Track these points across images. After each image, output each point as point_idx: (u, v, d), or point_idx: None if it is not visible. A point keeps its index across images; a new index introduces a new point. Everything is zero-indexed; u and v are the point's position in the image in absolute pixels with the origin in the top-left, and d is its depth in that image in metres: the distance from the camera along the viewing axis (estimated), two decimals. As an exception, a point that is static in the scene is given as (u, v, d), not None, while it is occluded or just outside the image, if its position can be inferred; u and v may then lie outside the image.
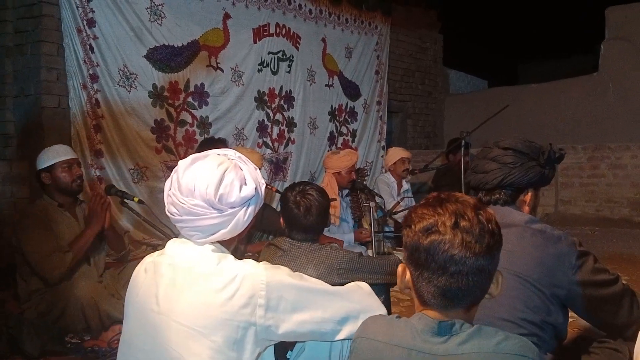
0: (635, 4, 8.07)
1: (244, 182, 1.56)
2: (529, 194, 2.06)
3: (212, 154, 1.61)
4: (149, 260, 1.65)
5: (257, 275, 1.52)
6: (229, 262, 1.56)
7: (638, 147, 7.29)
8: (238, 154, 1.66)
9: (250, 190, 1.57)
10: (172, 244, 1.63)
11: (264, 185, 1.66)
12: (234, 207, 1.54)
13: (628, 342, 1.46)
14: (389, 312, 2.63)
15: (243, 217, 1.58)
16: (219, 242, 1.60)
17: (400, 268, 1.38)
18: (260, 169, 4.33)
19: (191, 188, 1.52)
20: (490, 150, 2.07)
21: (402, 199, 5.81)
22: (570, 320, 1.98)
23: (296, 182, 2.86)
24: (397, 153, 5.89)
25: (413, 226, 1.28)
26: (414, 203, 5.82)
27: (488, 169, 2.03)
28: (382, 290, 2.60)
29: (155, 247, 3.27)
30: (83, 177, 3.64)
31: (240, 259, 1.55)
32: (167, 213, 1.59)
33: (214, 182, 1.51)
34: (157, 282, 1.57)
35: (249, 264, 1.56)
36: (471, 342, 1.21)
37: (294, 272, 2.27)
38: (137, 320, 1.61)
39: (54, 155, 3.39)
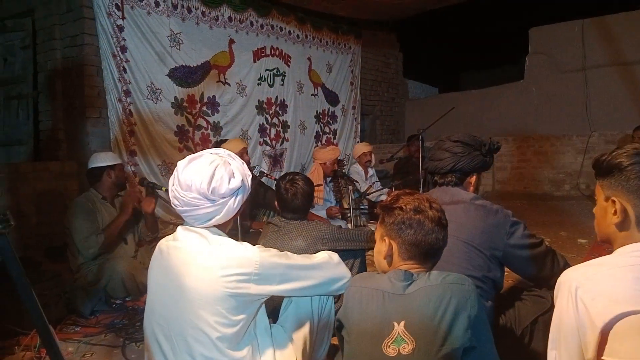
0: (552, 25, 8.10)
1: (232, 176, 1.54)
2: (474, 177, 2.08)
3: (206, 153, 1.58)
4: (164, 243, 1.63)
5: (252, 256, 1.52)
6: (228, 244, 1.55)
7: (556, 138, 7.34)
8: (228, 152, 1.63)
9: (238, 182, 1.54)
10: (180, 230, 1.61)
11: (251, 176, 1.63)
12: (224, 197, 1.52)
13: (550, 290, 1.48)
14: (364, 271, 2.67)
15: (233, 205, 1.56)
16: (215, 226, 1.59)
17: (386, 242, 1.46)
18: (244, 151, 4.37)
19: (188, 184, 1.49)
20: (443, 142, 2.09)
21: (373, 183, 5.84)
22: (505, 274, 2.00)
23: (288, 172, 2.86)
24: (359, 149, 5.91)
25: (405, 207, 1.41)
26: (380, 186, 5.85)
27: (442, 157, 2.05)
28: (359, 254, 2.62)
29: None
30: (128, 177, 3.66)
31: (246, 233, 1.56)
32: (172, 204, 1.57)
33: (207, 178, 1.48)
34: (169, 261, 1.57)
35: (245, 246, 1.55)
36: (424, 281, 1.34)
37: (287, 243, 2.29)
38: (156, 292, 1.61)
39: (115, 158, 3.49)
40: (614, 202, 1.20)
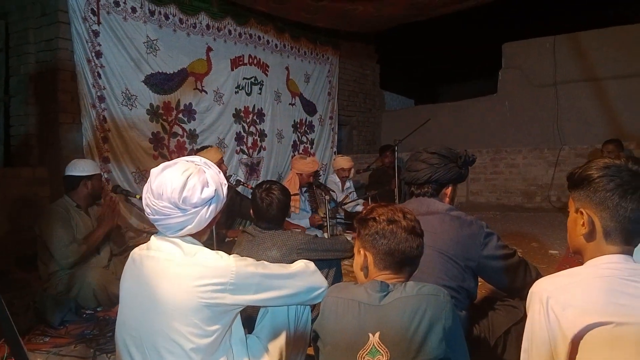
0: (524, 41, 8.27)
1: (205, 185, 1.50)
2: (450, 188, 2.11)
3: (181, 161, 1.54)
4: (137, 252, 1.59)
5: (228, 266, 1.49)
6: (203, 254, 1.51)
7: (528, 150, 7.48)
8: (204, 160, 1.59)
9: (211, 192, 1.50)
10: (154, 239, 1.57)
11: (227, 185, 1.60)
12: (196, 207, 1.49)
13: (523, 300, 1.51)
14: (340, 281, 2.67)
15: (205, 215, 1.52)
16: (191, 235, 1.55)
17: (361, 253, 1.49)
18: (221, 160, 4.35)
19: (160, 192, 1.46)
20: (420, 154, 2.11)
21: (349, 193, 5.87)
22: (479, 284, 2.02)
23: (264, 180, 2.83)
24: (339, 163, 5.97)
25: (378, 218, 1.44)
26: (356, 196, 5.89)
27: (419, 168, 2.07)
28: (334, 263, 2.61)
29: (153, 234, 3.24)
30: (104, 187, 3.61)
31: (222, 243, 1.53)
32: (145, 213, 1.53)
33: (178, 186, 1.45)
34: (141, 272, 1.53)
35: (220, 256, 1.52)
36: (400, 292, 1.35)
37: (262, 253, 2.27)
38: (128, 302, 1.57)
39: (94, 168, 3.43)
40: (582, 213, 1.23)
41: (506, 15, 8.69)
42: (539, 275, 2.01)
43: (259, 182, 6.17)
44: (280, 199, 2.45)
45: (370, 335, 1.29)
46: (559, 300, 1.14)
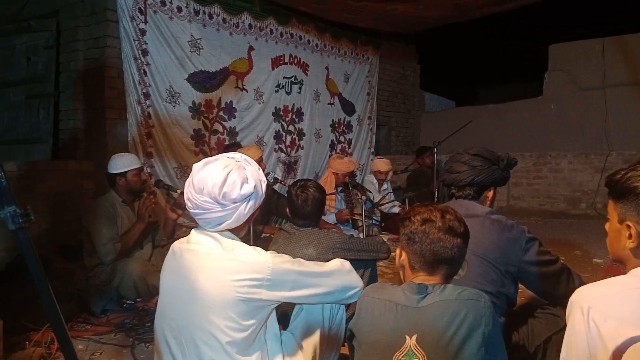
0: (573, 42, 8.04)
1: (245, 181, 1.51)
2: (491, 191, 2.06)
3: (222, 157, 1.57)
4: (177, 245, 1.62)
5: (265, 262, 1.50)
6: (241, 249, 1.53)
7: (573, 155, 7.26)
8: (245, 156, 1.61)
9: (250, 188, 1.52)
10: (194, 232, 1.60)
11: (265, 182, 1.61)
12: (235, 202, 1.50)
13: (564, 308, 1.46)
14: (375, 282, 2.65)
15: (244, 210, 1.54)
16: (229, 230, 1.57)
17: (397, 251, 1.48)
18: (260, 158, 4.39)
19: (201, 187, 1.48)
20: (462, 155, 2.06)
21: (386, 195, 5.84)
22: (519, 290, 1.97)
23: (300, 179, 2.83)
24: (377, 165, 5.92)
25: (413, 218, 1.41)
26: (393, 198, 5.84)
27: (460, 169, 2.02)
28: (370, 264, 2.59)
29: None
30: (146, 181, 3.62)
31: (258, 239, 1.55)
32: (187, 207, 1.56)
33: (219, 181, 1.47)
34: (181, 265, 1.55)
35: (257, 252, 1.53)
36: (439, 295, 1.32)
37: (298, 250, 2.28)
38: (167, 294, 1.60)
39: (128, 163, 3.39)
40: (629, 226, 1.18)
41: (550, 16, 8.46)
42: (582, 284, 1.93)
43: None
44: (316, 196, 2.45)
45: (407, 337, 1.27)
46: (600, 310, 1.10)
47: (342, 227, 4.86)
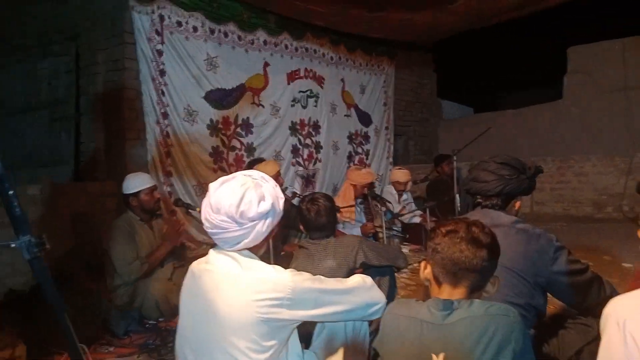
0: (592, 44, 7.91)
1: (262, 199, 1.50)
2: (519, 201, 2.02)
3: (239, 175, 1.55)
4: (196, 266, 1.60)
5: (285, 280, 1.48)
6: (260, 268, 1.51)
7: (597, 158, 7.12)
8: (261, 174, 1.60)
9: (267, 206, 1.50)
10: (212, 252, 1.58)
11: (283, 199, 1.59)
12: (253, 221, 1.49)
13: (597, 319, 1.41)
14: (394, 290, 2.63)
15: (262, 229, 1.51)
16: (248, 249, 1.55)
17: (422, 264, 1.45)
18: (278, 173, 4.39)
19: (218, 206, 1.47)
20: (488, 164, 2.01)
21: (407, 204, 5.78)
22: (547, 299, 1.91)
23: (306, 194, 2.87)
24: (396, 176, 5.87)
25: (438, 230, 1.40)
26: (414, 207, 5.77)
27: (488, 179, 1.97)
28: (388, 272, 2.56)
29: (213, 246, 3.30)
30: (160, 199, 3.66)
31: (277, 256, 1.53)
32: (204, 226, 1.55)
33: (236, 200, 1.45)
34: (200, 285, 1.54)
35: (278, 270, 1.51)
36: (466, 311, 1.27)
37: (317, 264, 2.26)
38: (187, 315, 1.59)
39: (140, 183, 3.41)
40: None
41: (568, 18, 8.34)
42: (614, 292, 1.87)
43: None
44: (327, 205, 2.47)
45: (434, 356, 1.22)
46: (638, 324, 1.05)
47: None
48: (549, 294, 1.90)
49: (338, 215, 5.01)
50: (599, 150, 7.43)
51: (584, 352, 1.86)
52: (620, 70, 7.57)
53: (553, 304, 2.64)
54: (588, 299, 1.85)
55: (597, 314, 1.60)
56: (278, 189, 1.60)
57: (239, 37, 5.76)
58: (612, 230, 6.15)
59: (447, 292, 1.35)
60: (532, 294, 1.78)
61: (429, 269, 1.41)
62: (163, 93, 4.98)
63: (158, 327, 3.16)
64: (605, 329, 1.12)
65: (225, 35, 5.60)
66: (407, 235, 5.29)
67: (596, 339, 1.60)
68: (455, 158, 5.38)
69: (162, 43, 4.97)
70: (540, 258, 1.79)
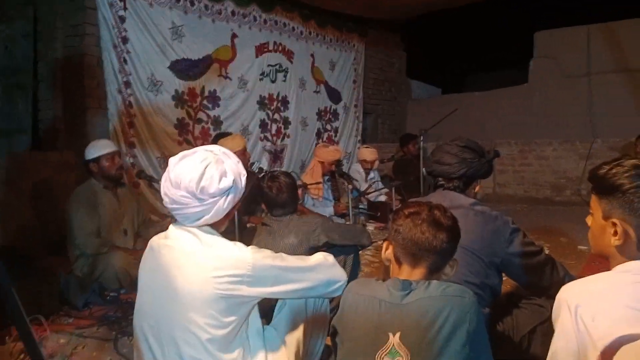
0: (557, 30, 8.04)
1: (224, 175, 1.47)
2: (478, 184, 2.06)
3: (200, 150, 1.52)
4: (155, 241, 1.58)
5: (245, 257, 1.47)
6: (221, 244, 1.49)
7: (558, 143, 7.29)
8: (223, 149, 1.56)
9: (229, 182, 1.48)
10: (172, 228, 1.56)
11: (245, 176, 1.57)
12: (214, 197, 1.46)
13: (550, 299, 1.45)
14: (358, 269, 2.67)
15: (223, 205, 1.49)
16: (210, 225, 1.53)
17: (384, 244, 1.46)
18: (245, 148, 4.34)
19: (178, 181, 1.45)
20: (450, 146, 2.04)
21: (373, 183, 5.82)
22: (503, 279, 1.97)
23: (265, 173, 2.88)
24: (363, 155, 5.94)
25: (401, 212, 1.41)
26: (381, 186, 5.83)
27: (450, 161, 2.00)
28: (351, 250, 2.59)
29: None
30: (123, 166, 3.60)
31: (243, 229, 1.52)
32: (163, 201, 1.52)
33: (196, 176, 1.43)
34: (159, 261, 1.52)
35: (238, 247, 1.50)
36: (423, 291, 1.29)
37: (279, 241, 2.27)
38: (146, 291, 1.57)
39: (100, 148, 3.35)
40: (614, 224, 1.16)
41: (537, 3, 8.45)
42: (567, 274, 1.94)
43: (282, 169, 6.19)
44: (287, 182, 2.48)
45: (391, 335, 1.25)
46: (589, 309, 1.09)
47: (329, 216, 4.84)
48: (504, 275, 1.96)
49: (306, 191, 5.04)
50: (561, 134, 7.63)
51: (536, 331, 1.93)
52: (584, 56, 7.74)
53: (508, 284, 2.73)
54: (541, 281, 1.92)
55: (550, 295, 1.66)
56: (240, 165, 1.57)
57: (206, 7, 5.60)
58: (570, 213, 6.36)
59: (406, 272, 1.37)
60: (487, 274, 1.83)
61: (390, 250, 1.42)
62: (125, 61, 4.82)
63: (119, 300, 3.12)
64: (558, 313, 1.16)
65: (192, 3, 5.44)
66: (379, 214, 5.32)
67: (549, 319, 1.67)
68: (422, 138, 5.44)
69: (125, 9, 4.79)
70: (497, 239, 1.84)
